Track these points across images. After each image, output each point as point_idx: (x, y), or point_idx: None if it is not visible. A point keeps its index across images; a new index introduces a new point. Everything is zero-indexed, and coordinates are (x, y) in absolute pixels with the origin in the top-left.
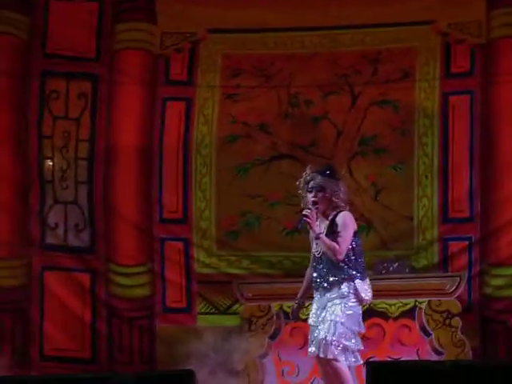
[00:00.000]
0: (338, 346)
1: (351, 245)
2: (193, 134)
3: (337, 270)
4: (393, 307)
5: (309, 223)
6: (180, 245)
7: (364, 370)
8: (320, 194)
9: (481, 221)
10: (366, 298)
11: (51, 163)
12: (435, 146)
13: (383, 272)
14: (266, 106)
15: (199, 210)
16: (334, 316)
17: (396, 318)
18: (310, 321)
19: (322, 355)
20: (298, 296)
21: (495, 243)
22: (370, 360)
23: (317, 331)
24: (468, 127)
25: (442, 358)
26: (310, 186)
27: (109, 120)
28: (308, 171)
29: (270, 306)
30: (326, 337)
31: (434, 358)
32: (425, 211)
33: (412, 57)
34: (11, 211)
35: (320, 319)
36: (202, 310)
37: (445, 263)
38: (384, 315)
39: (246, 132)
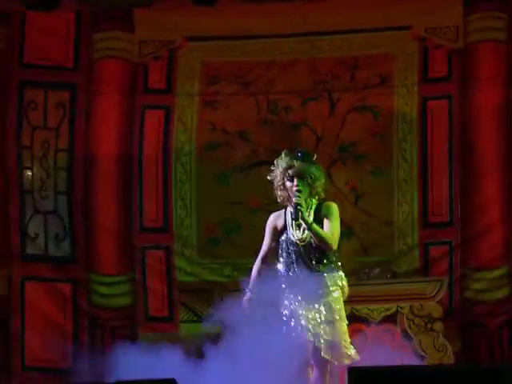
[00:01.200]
0: (345, 348)
1: None
2: (172, 142)
3: (327, 260)
4: (375, 312)
5: (302, 211)
6: (161, 253)
7: (346, 375)
8: (302, 182)
9: (461, 225)
10: (346, 292)
11: (30, 173)
12: (414, 151)
13: (364, 277)
14: (245, 113)
15: (180, 218)
16: (337, 313)
17: (378, 323)
18: (302, 322)
19: (335, 361)
20: (251, 287)
21: (476, 247)
22: (353, 365)
23: (318, 332)
24: (447, 132)
25: (425, 362)
26: (290, 173)
27: (88, 129)
28: (284, 157)
29: None
30: (333, 339)
31: (417, 362)
32: (405, 216)
33: (390, 62)
34: None
35: (316, 318)
36: (184, 319)
37: (426, 268)
38: (366, 320)
39: (226, 139)
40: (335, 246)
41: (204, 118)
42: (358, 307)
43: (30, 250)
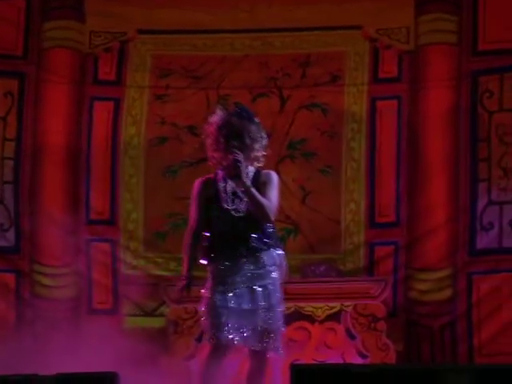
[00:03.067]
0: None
1: None
2: (121, 135)
3: (263, 234)
4: (319, 310)
5: (241, 169)
6: (107, 246)
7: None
8: (240, 141)
9: (407, 226)
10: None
11: None
12: (362, 151)
13: (310, 275)
14: (195, 107)
15: (127, 211)
16: (275, 299)
17: (322, 322)
18: (232, 304)
19: (272, 352)
20: (187, 273)
21: (421, 248)
22: (295, 363)
23: (254, 318)
24: (395, 132)
25: (367, 361)
26: (226, 130)
27: (36, 119)
28: (219, 113)
29: (196, 309)
30: (275, 328)
31: (359, 361)
32: (352, 215)
33: (341, 61)
34: None
35: (253, 302)
36: (128, 312)
37: (371, 267)
38: (310, 318)
39: (175, 133)
40: (273, 217)
41: (154, 112)
42: (303, 305)
43: None
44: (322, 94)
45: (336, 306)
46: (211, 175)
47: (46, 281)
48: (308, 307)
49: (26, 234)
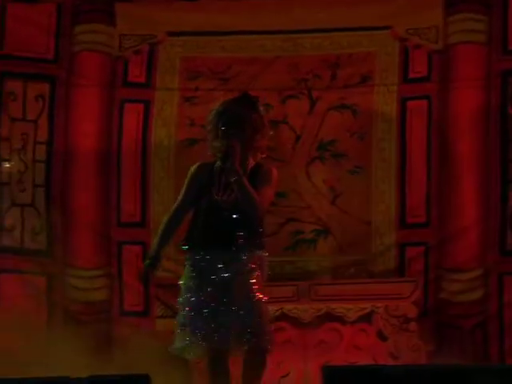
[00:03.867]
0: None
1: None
2: (151, 137)
3: (250, 233)
4: (350, 312)
5: (234, 155)
6: (138, 248)
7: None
8: (244, 129)
9: (437, 226)
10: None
11: (8, 165)
12: (393, 151)
13: (341, 277)
14: None
15: (157, 213)
16: (258, 295)
17: (353, 323)
18: (207, 305)
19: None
20: (154, 253)
21: (451, 249)
22: (327, 364)
23: (230, 318)
24: (425, 132)
25: (399, 362)
26: (227, 118)
27: (67, 122)
28: (223, 100)
29: None
30: (258, 323)
31: (391, 362)
32: (382, 216)
33: (371, 62)
34: None
35: (230, 301)
36: (160, 314)
37: (402, 268)
38: (341, 320)
39: (204, 135)
40: (261, 213)
41: (183, 114)
42: (334, 306)
43: (6, 242)
44: (352, 95)
45: (367, 307)
46: (211, 161)
47: (77, 283)
48: (339, 308)
49: (57, 237)
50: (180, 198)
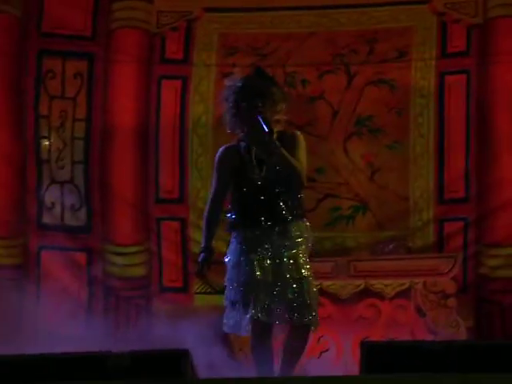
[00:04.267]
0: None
1: None
2: (189, 113)
3: (293, 203)
4: (389, 287)
5: (268, 122)
6: (177, 224)
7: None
8: (264, 102)
9: (476, 201)
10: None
11: (48, 143)
12: (431, 126)
13: (379, 252)
14: None
15: (196, 189)
16: (305, 271)
17: (392, 299)
18: (260, 277)
19: (312, 327)
20: (204, 247)
21: (491, 224)
22: (366, 340)
23: (284, 292)
24: (464, 107)
25: (437, 338)
26: (246, 93)
27: (105, 99)
28: (239, 75)
29: None
30: (307, 300)
31: (429, 338)
32: (420, 192)
33: (408, 36)
34: (9, 190)
35: (281, 275)
36: (199, 290)
37: (440, 244)
38: (380, 295)
39: None
40: (304, 180)
41: (221, 90)
42: (372, 282)
43: (47, 219)
44: (390, 70)
45: (406, 282)
46: (234, 143)
47: (117, 259)
48: (378, 284)
49: (96, 213)
50: (214, 186)
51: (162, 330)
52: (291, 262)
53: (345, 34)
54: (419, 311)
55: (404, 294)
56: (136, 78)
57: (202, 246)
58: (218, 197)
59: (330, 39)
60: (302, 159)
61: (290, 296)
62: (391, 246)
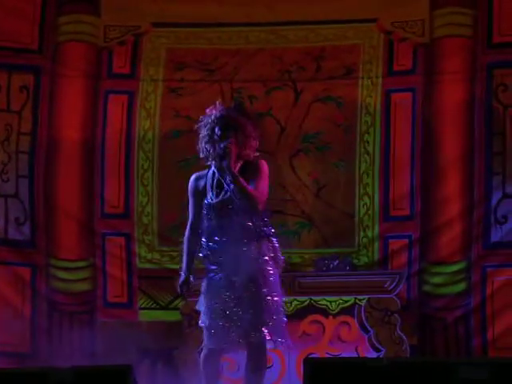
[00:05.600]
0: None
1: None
2: (135, 128)
3: (252, 226)
4: (333, 304)
5: (230, 155)
6: (121, 240)
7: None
8: (237, 135)
9: (421, 219)
10: (282, 257)
11: None
12: (377, 144)
13: (324, 269)
14: (209, 100)
15: (141, 205)
16: (268, 289)
17: (336, 315)
18: (224, 301)
19: (278, 339)
20: (185, 268)
21: (435, 241)
22: (309, 356)
23: (246, 311)
24: (410, 125)
25: (381, 354)
26: (223, 123)
27: (51, 113)
28: (219, 106)
29: None
30: (268, 318)
31: (373, 354)
32: (366, 209)
33: (355, 54)
34: None
35: (244, 295)
36: (143, 305)
37: (385, 261)
38: (324, 312)
39: (189, 126)
40: (262, 207)
41: (168, 105)
42: (317, 298)
43: None
44: (337, 87)
45: (350, 299)
46: (205, 170)
47: (61, 274)
48: (322, 301)
49: (41, 227)
50: (190, 213)
51: (105, 345)
52: (254, 281)
53: (292, 50)
54: (363, 328)
55: (348, 310)
56: (82, 92)
57: (181, 268)
58: (194, 223)
59: (277, 56)
60: (261, 187)
61: (249, 318)
62: (336, 263)
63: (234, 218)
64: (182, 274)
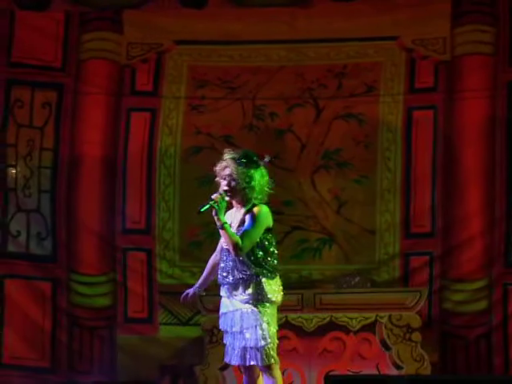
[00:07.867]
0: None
1: (261, 241)
2: (157, 145)
3: (243, 266)
4: (354, 321)
5: (214, 209)
6: (143, 255)
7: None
8: (233, 184)
9: (442, 236)
10: (273, 299)
11: (14, 171)
12: (398, 161)
13: (345, 286)
14: (230, 117)
15: (162, 220)
16: (249, 323)
17: (357, 332)
18: (224, 326)
19: (260, 363)
20: (197, 284)
21: (456, 259)
22: (330, 373)
23: (240, 339)
24: (431, 142)
25: (402, 372)
26: (224, 173)
27: (73, 129)
28: (226, 156)
29: None
30: (256, 344)
31: (394, 372)
32: (387, 226)
33: (377, 72)
34: None
35: (239, 325)
36: (164, 321)
37: (406, 278)
38: (345, 329)
39: (210, 143)
40: (243, 251)
41: (189, 122)
42: (338, 315)
43: (12, 247)
44: (358, 104)
45: (371, 316)
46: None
47: (82, 289)
48: (343, 317)
49: (62, 242)
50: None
51: (126, 361)
52: (239, 315)
53: (314, 68)
54: (384, 345)
55: (369, 327)
56: (105, 109)
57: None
58: (217, 249)
59: (299, 73)
60: (247, 233)
61: (238, 343)
62: (357, 280)
63: (231, 258)
64: (193, 288)
